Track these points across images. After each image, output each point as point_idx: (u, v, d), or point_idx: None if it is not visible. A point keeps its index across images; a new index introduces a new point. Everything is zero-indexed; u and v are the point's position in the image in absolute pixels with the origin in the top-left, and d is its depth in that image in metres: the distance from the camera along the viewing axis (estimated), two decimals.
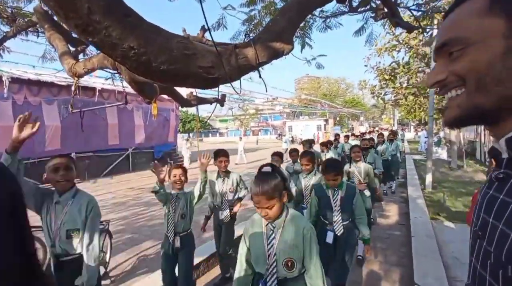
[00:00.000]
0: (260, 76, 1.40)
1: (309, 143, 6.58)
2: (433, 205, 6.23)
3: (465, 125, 0.54)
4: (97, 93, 12.52)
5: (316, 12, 2.88)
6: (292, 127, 45.47)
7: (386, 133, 10.43)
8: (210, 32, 1.19)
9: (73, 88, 3.48)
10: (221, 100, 3.65)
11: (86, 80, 12.13)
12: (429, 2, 3.68)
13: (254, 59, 1.30)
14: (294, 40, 1.56)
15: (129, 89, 3.64)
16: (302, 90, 59.58)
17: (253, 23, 3.41)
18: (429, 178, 7.99)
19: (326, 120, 42.96)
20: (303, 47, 3.27)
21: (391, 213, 6.23)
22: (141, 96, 3.14)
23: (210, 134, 57.47)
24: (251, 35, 3.29)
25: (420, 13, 3.30)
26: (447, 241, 4.29)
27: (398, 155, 9.07)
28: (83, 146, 12.41)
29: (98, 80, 12.53)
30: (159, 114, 15.11)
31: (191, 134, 47.70)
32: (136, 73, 1.27)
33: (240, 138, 18.52)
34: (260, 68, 1.44)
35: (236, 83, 1.47)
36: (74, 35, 3.05)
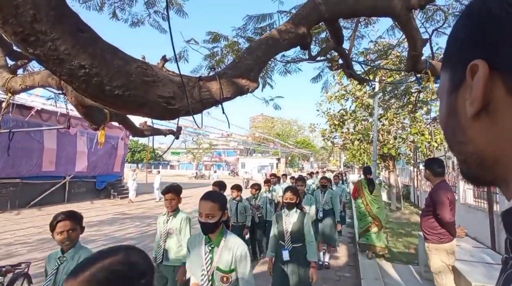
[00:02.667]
0: (223, 112, 1.35)
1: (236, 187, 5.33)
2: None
3: (481, 185, 0.41)
4: (34, 113, 11.27)
5: (278, 56, 3.04)
6: (245, 164, 45.79)
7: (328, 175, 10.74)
8: (176, 61, 1.13)
9: (4, 105, 3.06)
10: (176, 133, 3.49)
11: (23, 98, 10.91)
12: (375, 60, 4.16)
13: (218, 94, 1.24)
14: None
15: (74, 112, 3.30)
16: (257, 128, 61.37)
17: (215, 59, 3.46)
18: None
19: (278, 159, 44.20)
20: (264, 86, 3.38)
21: (341, 253, 6.40)
22: (88, 122, 2.85)
23: (160, 166, 54.78)
24: (216, 68, 3.31)
25: (367, 67, 3.69)
26: (392, 283, 4.41)
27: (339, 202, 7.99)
28: (9, 170, 10.75)
29: (38, 99, 11.35)
30: (107, 142, 13.88)
31: (139, 165, 44.86)
32: (84, 95, 1.12)
33: (158, 172, 16.77)
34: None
35: (196, 116, 1.39)
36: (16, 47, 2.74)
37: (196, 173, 39.31)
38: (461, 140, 0.36)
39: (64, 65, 0.91)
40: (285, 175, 9.93)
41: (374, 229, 5.28)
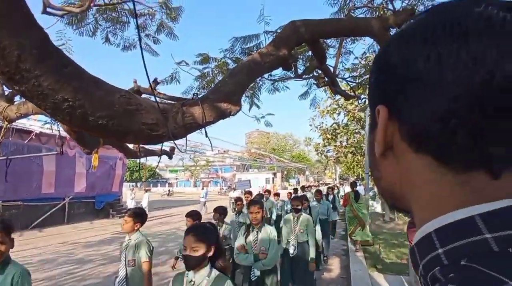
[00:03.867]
0: (206, 136, 1.39)
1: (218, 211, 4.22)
2: (370, 257, 6.51)
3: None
4: (34, 137, 11.40)
5: (266, 75, 3.13)
6: (241, 180, 45.49)
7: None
8: (153, 91, 1.17)
9: (1, 133, 3.10)
10: (169, 153, 3.52)
11: (22, 123, 11.06)
12: (362, 75, 4.28)
13: (201, 118, 1.29)
14: (243, 99, 1.62)
15: None
16: (252, 144, 61.48)
17: (205, 80, 3.54)
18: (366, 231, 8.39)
19: (274, 174, 44.09)
20: (251, 106, 3.45)
21: (334, 266, 6.44)
22: (81, 146, 2.89)
23: (159, 184, 54.28)
24: (201, 91, 3.38)
25: (354, 84, 3.79)
26: None
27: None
28: (10, 193, 10.76)
29: (36, 123, 11.49)
30: (105, 162, 13.94)
31: (138, 184, 44.51)
32: (70, 126, 1.16)
33: (146, 190, 15.60)
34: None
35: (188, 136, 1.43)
36: None
37: (169, 190, 39.30)
38: (376, 176, 0.39)
39: (48, 99, 0.96)
40: (268, 191, 9.37)
41: (359, 229, 6.88)
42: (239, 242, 3.21)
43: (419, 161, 0.30)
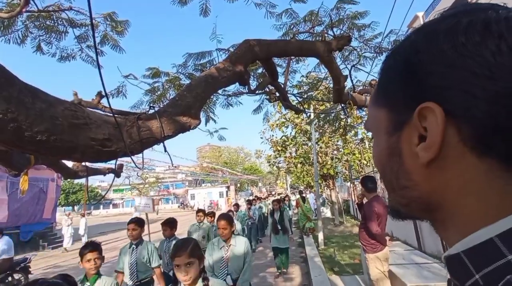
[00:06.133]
0: (165, 150, 1.31)
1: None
2: (327, 261, 6.79)
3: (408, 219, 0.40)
4: None
5: (220, 91, 3.13)
6: (194, 195, 44.26)
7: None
8: (109, 103, 1.08)
9: None
10: (117, 171, 3.25)
11: None
12: (307, 92, 4.56)
13: (159, 133, 1.22)
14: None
15: None
16: (204, 158, 60.50)
17: (156, 94, 3.40)
18: (321, 236, 8.87)
19: (228, 187, 43.78)
20: (207, 121, 3.41)
21: (295, 274, 6.53)
22: (6, 167, 2.49)
23: (101, 206, 49.47)
24: (155, 106, 3.23)
25: (301, 99, 4.01)
26: None
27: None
28: None
29: None
30: (33, 185, 11.82)
31: (76, 208, 39.96)
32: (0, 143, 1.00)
33: (83, 214, 14.12)
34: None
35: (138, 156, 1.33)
36: None
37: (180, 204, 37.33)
38: (406, 185, 0.34)
39: None
40: (237, 205, 9.77)
41: (307, 222, 10.03)
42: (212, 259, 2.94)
43: (480, 166, 0.27)
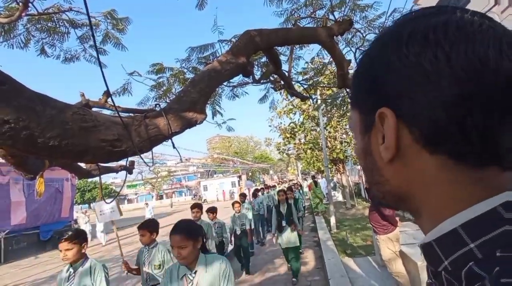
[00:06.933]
0: (174, 147, 1.33)
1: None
2: (340, 244, 6.86)
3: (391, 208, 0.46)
4: None
5: (225, 82, 3.11)
6: (207, 186, 44.87)
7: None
8: (114, 104, 1.09)
9: None
10: (129, 168, 3.31)
11: None
12: (313, 78, 4.49)
13: (166, 130, 1.24)
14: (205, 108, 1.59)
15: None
16: (214, 149, 60.82)
17: (162, 89, 3.41)
18: (333, 220, 8.95)
19: (240, 177, 44.12)
20: (214, 115, 3.42)
21: (308, 258, 6.70)
22: (22, 172, 2.57)
23: None
24: (161, 103, 3.25)
25: (307, 86, 3.96)
26: (356, 277, 4.72)
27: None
28: None
29: None
30: (49, 186, 12.14)
31: (92, 205, 41.13)
32: (14, 150, 1.03)
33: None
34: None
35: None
36: None
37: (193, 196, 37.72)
38: (379, 180, 0.37)
39: None
40: (243, 195, 8.93)
41: (319, 204, 11.61)
42: None
43: (433, 162, 0.30)
